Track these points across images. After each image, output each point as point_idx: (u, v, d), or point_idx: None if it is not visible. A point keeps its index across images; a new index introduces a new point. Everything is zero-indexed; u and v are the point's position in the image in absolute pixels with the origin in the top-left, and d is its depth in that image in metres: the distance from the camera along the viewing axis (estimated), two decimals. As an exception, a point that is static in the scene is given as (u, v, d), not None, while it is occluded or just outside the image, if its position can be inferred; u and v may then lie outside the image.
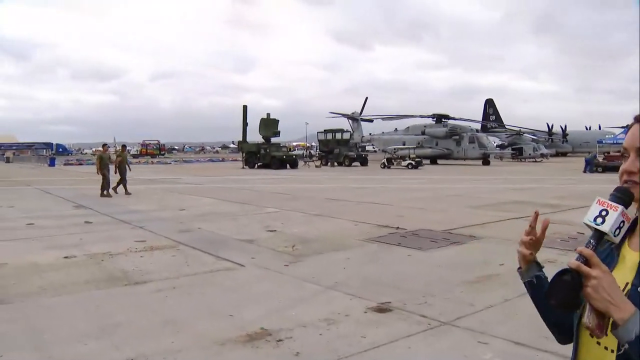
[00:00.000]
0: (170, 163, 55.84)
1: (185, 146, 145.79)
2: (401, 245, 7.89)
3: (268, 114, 41.47)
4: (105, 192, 16.36)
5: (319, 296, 5.27)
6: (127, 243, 8.17)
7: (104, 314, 4.73)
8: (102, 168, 16.66)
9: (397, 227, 9.44)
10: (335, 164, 43.59)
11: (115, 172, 17.44)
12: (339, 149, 44.64)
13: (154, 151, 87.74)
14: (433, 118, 52.73)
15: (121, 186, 17.13)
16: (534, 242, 1.20)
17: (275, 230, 9.32)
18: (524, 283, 1.24)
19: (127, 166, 17.59)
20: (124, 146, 19.82)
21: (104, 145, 19.23)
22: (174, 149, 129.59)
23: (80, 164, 53.96)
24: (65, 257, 7.13)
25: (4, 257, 7.11)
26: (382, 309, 4.78)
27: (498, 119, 70.03)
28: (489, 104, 73.40)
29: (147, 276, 6.10)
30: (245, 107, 41.74)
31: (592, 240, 1.03)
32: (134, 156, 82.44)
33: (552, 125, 65.08)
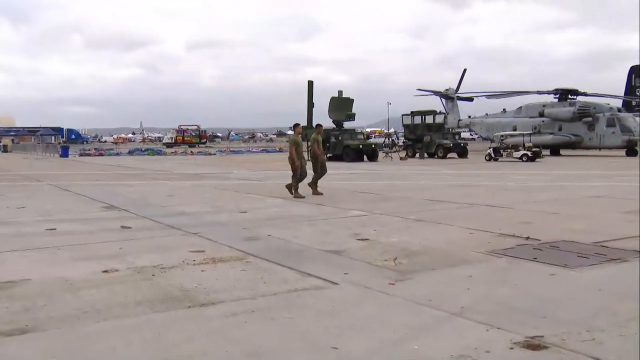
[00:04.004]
0: (214, 154, 57.39)
1: (231, 133, 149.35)
2: (538, 260, 7.64)
3: (340, 92, 41.64)
4: (296, 191, 15.66)
5: (444, 325, 5.14)
6: (181, 253, 8.36)
7: (169, 344, 4.80)
8: (299, 158, 15.84)
9: (527, 237, 9.18)
10: (426, 155, 43.17)
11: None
12: (429, 136, 44.21)
13: (193, 139, 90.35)
14: (556, 94, 51.04)
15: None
16: None
17: (367, 239, 9.29)
18: None
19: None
20: (320, 126, 17.93)
21: (297, 125, 17.64)
22: (217, 136, 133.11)
23: (101, 155, 56.43)
24: (105, 272, 7.35)
25: (25, 272, 7.31)
26: (533, 345, 4.59)
27: (648, 93, 66.64)
28: (636, 73, 69.96)
29: (215, 296, 6.18)
30: (310, 84, 42.09)
31: None
32: (168, 145, 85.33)
33: None
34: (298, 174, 15.81)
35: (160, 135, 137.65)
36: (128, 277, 7.12)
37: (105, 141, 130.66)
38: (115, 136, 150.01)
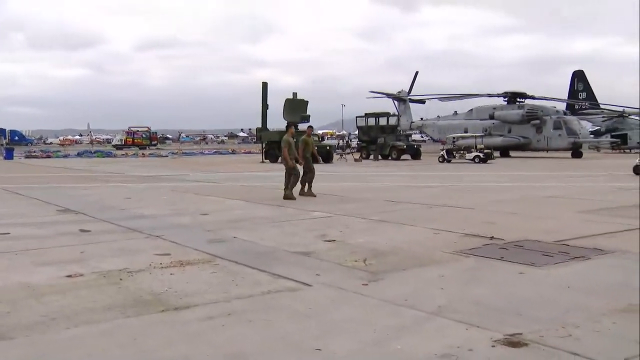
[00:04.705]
0: (166, 156, 56.52)
1: (182, 135, 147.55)
2: (505, 260, 7.77)
3: (294, 94, 41.58)
4: (290, 192, 15.44)
5: (424, 324, 5.16)
6: (146, 257, 8.19)
7: (147, 349, 4.68)
8: (291, 158, 15.62)
9: (492, 237, 9.33)
10: (380, 157, 43.49)
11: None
12: (383, 138, 44.54)
13: (143, 141, 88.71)
14: (505, 97, 52.26)
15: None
16: None
17: (334, 240, 9.29)
18: None
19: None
20: (311, 127, 18.13)
21: (289, 126, 17.55)
22: (168, 138, 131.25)
23: (48, 157, 54.94)
24: (68, 276, 7.13)
25: (-18, 279, 7.02)
26: (513, 343, 4.65)
27: (590, 96, 68.79)
28: (578, 77, 72.17)
29: (188, 299, 6.07)
30: (265, 85, 41.93)
31: None
32: (117, 147, 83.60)
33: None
34: (293, 174, 15.57)
35: (108, 137, 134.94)
36: (93, 281, 6.93)
37: (51, 143, 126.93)
38: (61, 138, 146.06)
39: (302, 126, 42.82)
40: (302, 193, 15.88)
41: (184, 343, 4.80)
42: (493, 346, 4.60)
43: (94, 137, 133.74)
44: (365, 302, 5.89)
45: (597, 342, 4.67)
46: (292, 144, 15.86)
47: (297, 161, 15.81)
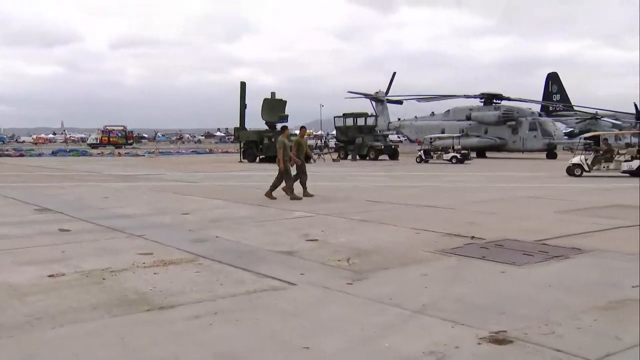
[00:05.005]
0: (143, 155, 56.04)
1: (158, 134, 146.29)
2: (487, 259, 7.88)
3: (273, 94, 41.56)
4: (270, 193, 15.44)
5: (410, 322, 5.23)
6: (128, 256, 8.16)
7: (135, 348, 4.68)
8: (287, 159, 15.59)
9: (473, 237, 9.44)
10: (358, 157, 43.64)
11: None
12: (361, 138, 44.70)
13: (119, 140, 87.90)
14: (481, 99, 52.78)
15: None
16: None
17: (317, 240, 9.34)
18: None
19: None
20: (304, 128, 17.83)
21: (284, 128, 17.30)
22: (144, 137, 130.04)
23: (22, 155, 54.19)
24: (50, 276, 7.07)
25: (-40, 279, 6.92)
26: (498, 340, 4.73)
27: (564, 98, 69.77)
28: (552, 79, 73.16)
29: (173, 299, 6.06)
30: (243, 85, 41.86)
31: None
32: (93, 146, 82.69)
33: (643, 106, 64.41)
34: (285, 176, 15.54)
35: (83, 135, 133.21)
36: (76, 281, 6.89)
37: (24, 141, 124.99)
38: (34, 136, 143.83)
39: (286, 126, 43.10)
40: (305, 194, 15.82)
41: (172, 342, 4.80)
42: (479, 343, 4.67)
43: (68, 136, 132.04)
44: (350, 301, 5.94)
45: (579, 339, 4.77)
46: (287, 146, 15.80)
47: (293, 161, 15.76)
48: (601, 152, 24.88)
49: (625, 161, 23.71)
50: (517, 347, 4.60)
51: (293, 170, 16.01)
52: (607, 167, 24.01)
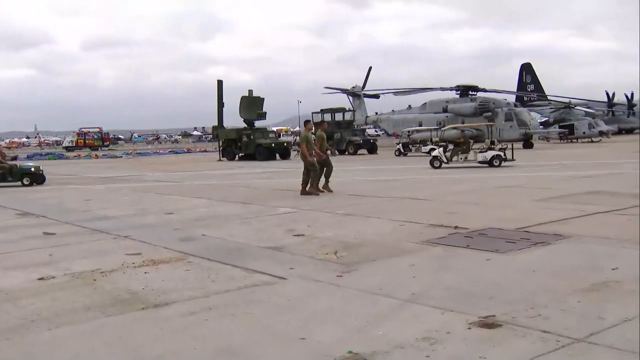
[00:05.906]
0: (120, 156, 55.66)
1: (134, 135, 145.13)
2: (471, 247, 8.05)
3: (250, 91, 41.57)
4: (311, 189, 15.34)
5: (401, 311, 5.37)
6: (117, 257, 8.22)
7: (135, 346, 4.75)
8: (311, 154, 15.50)
9: (456, 227, 9.60)
10: (336, 152, 43.74)
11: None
12: (340, 133, 44.82)
13: (95, 142, 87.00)
14: (457, 91, 53.20)
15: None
16: None
17: (303, 235, 9.44)
18: None
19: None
20: (324, 122, 17.84)
21: (307, 122, 17.48)
22: (120, 139, 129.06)
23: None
24: (40, 279, 7.11)
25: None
26: (488, 324, 4.89)
27: (538, 88, 70.61)
28: (526, 70, 74.01)
29: (166, 297, 6.15)
30: (220, 83, 41.77)
31: None
32: (68, 148, 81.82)
33: (614, 94, 65.52)
34: (312, 170, 15.41)
35: (58, 138, 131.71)
36: (67, 283, 6.94)
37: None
38: (7, 140, 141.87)
39: (261, 123, 43.16)
40: (325, 187, 15.80)
41: (170, 339, 4.89)
42: (469, 328, 4.83)
43: (42, 139, 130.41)
44: (342, 293, 6.06)
45: (565, 320, 4.94)
46: (310, 140, 15.77)
47: (318, 156, 15.66)
48: (459, 144, 25.92)
49: (480, 152, 25.30)
50: (506, 330, 4.76)
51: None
52: (465, 157, 25.38)
